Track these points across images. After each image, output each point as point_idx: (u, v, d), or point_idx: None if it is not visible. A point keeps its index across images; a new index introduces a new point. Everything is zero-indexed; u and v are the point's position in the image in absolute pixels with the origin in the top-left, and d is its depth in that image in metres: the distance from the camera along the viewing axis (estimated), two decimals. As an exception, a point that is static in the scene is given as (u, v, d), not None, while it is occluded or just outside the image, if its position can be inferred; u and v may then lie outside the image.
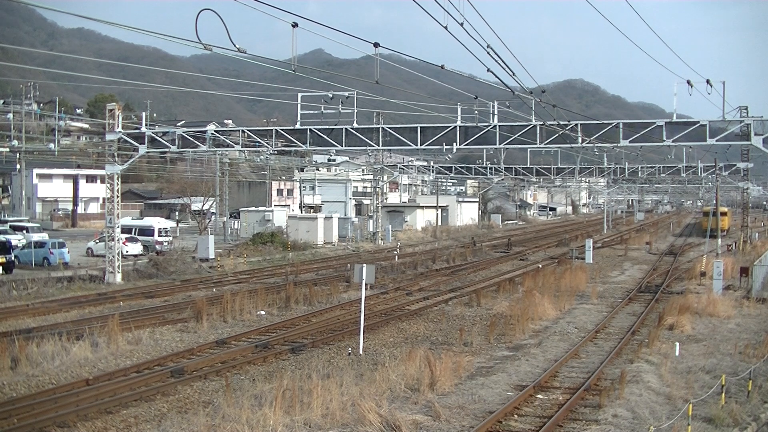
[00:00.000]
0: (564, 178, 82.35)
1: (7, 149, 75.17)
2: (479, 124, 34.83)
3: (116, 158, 39.64)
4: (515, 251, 60.88)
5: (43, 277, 35.92)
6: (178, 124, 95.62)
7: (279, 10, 15.46)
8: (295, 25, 16.56)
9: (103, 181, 60.50)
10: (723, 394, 16.71)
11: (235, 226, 72.00)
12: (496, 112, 34.53)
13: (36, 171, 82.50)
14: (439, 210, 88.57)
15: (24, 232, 52.02)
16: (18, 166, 72.71)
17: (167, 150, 40.80)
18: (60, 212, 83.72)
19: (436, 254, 53.81)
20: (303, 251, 56.46)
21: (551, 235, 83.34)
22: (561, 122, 32.86)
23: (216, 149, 44.57)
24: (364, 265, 22.94)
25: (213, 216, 68.99)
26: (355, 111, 35.01)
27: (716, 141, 32.61)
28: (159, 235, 52.47)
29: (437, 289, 37.28)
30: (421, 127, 35.75)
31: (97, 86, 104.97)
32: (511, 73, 20.75)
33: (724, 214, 78.51)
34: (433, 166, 78.89)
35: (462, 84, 32.35)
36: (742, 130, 32.03)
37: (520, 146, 37.38)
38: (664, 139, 32.68)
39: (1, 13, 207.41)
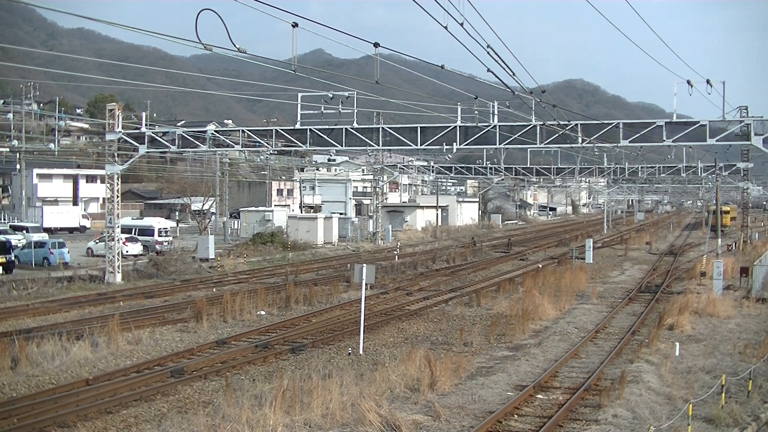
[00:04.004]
0: (564, 178, 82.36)
1: (7, 149, 75.13)
2: (479, 124, 34.83)
3: (116, 158, 39.66)
4: (515, 251, 60.87)
5: (43, 277, 35.91)
6: (178, 124, 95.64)
7: (279, 10, 15.46)
8: (295, 25, 16.56)
9: (103, 181, 60.54)
10: (723, 394, 16.70)
11: (235, 226, 72.01)
12: (496, 112, 34.52)
13: (36, 171, 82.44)
14: (439, 210, 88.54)
15: (24, 232, 52.05)
16: (18, 166, 72.59)
17: (167, 150, 40.82)
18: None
19: (436, 254, 53.79)
20: (303, 251, 56.47)
21: (551, 235, 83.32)
22: (561, 122, 32.85)
23: (216, 149, 44.59)
24: (364, 265, 22.94)
25: (213, 216, 68.99)
26: (355, 111, 35.00)
27: (716, 141, 32.60)
28: (159, 235, 52.51)
29: (437, 289, 37.28)
30: (421, 127, 35.75)
31: (97, 86, 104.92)
32: (511, 73, 20.74)
33: (728, 212, 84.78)
34: (433, 166, 78.88)
35: (462, 84, 32.32)
36: (742, 130, 32.03)
37: (520, 146, 37.40)
38: (664, 139, 32.68)
39: (1, 13, 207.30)
